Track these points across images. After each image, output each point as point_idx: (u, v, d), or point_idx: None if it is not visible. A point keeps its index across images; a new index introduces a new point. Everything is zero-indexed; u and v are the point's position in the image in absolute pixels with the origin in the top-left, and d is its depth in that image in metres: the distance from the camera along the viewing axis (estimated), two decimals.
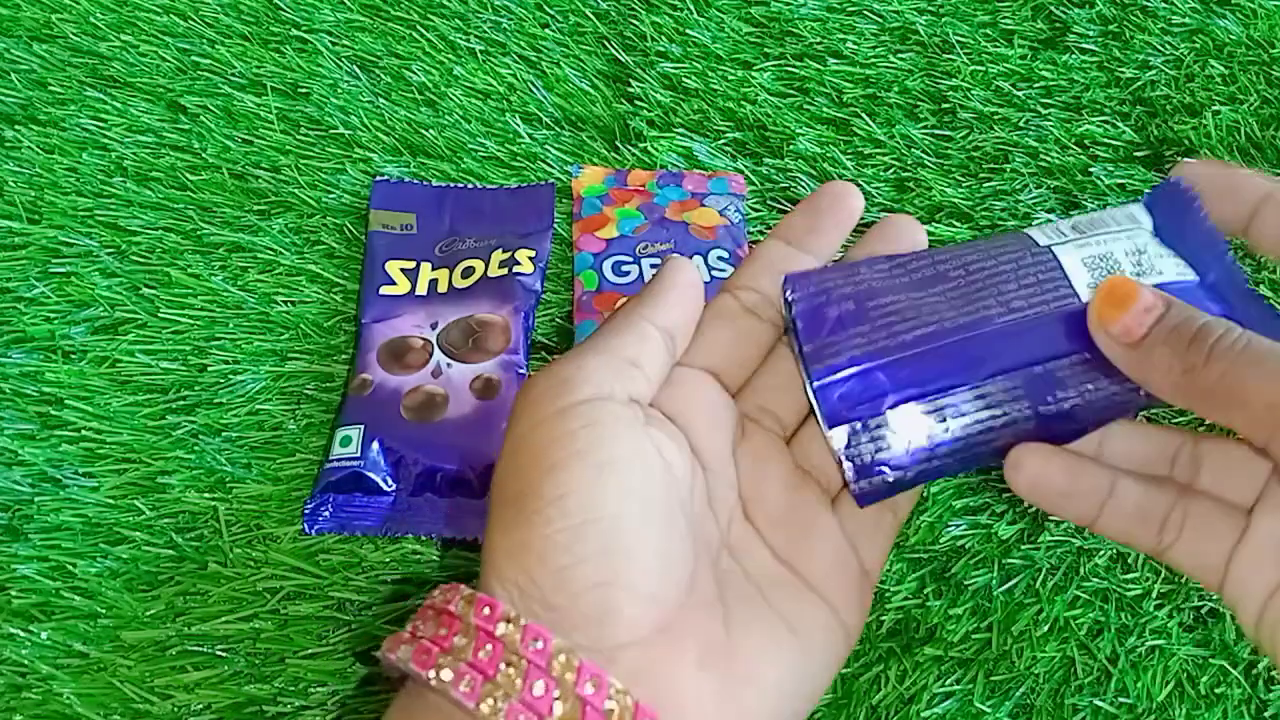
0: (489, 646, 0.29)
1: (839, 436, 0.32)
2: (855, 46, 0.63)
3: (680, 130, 0.59)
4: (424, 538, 0.47)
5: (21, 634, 0.44)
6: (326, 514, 0.47)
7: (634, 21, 0.63)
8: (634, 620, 0.30)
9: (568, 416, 0.31)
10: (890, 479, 0.31)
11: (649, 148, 0.58)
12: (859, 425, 0.31)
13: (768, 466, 0.34)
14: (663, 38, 0.63)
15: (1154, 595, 0.47)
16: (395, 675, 0.32)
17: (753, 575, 0.33)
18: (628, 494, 0.30)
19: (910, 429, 0.31)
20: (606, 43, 0.62)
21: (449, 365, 0.50)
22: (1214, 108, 0.60)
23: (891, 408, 0.31)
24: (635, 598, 0.30)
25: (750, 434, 0.35)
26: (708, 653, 0.31)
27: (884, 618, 0.46)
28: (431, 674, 0.29)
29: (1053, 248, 0.33)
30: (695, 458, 0.34)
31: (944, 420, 0.31)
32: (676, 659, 0.30)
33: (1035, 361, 0.31)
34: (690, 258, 0.54)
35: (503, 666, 0.29)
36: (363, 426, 0.48)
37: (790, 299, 0.33)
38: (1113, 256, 0.33)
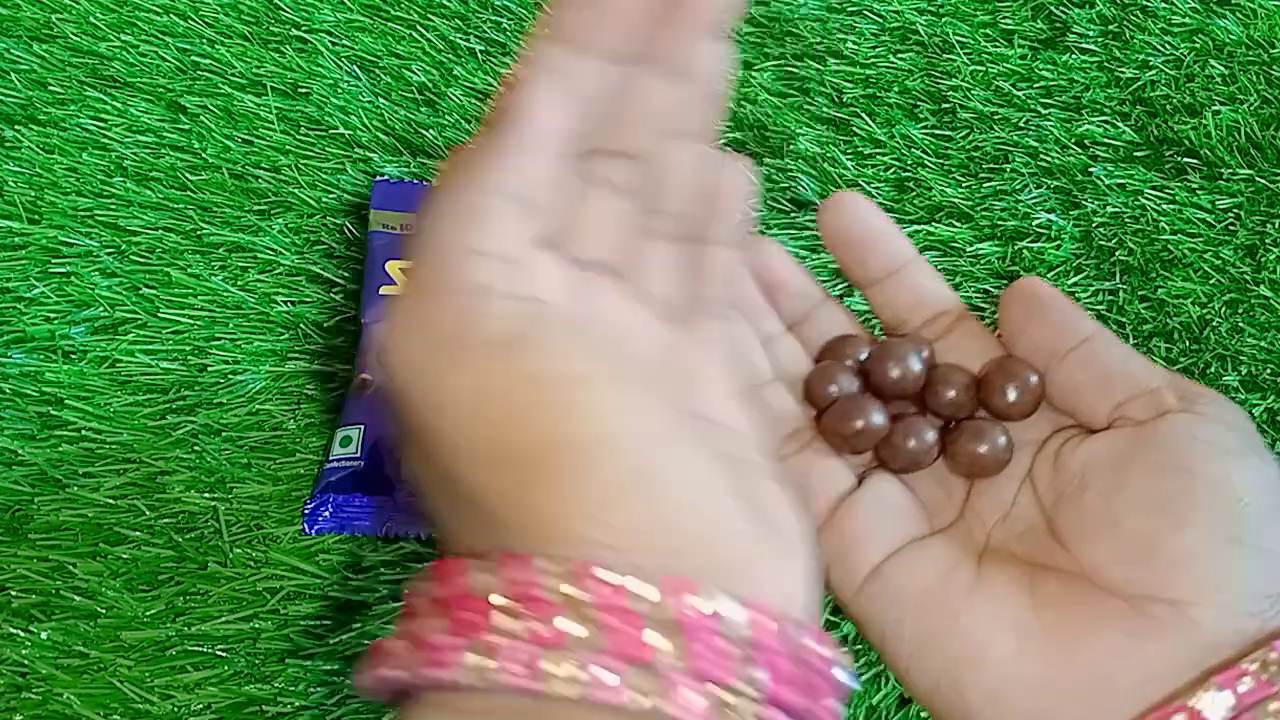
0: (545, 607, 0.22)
1: None
2: (855, 46, 0.63)
3: None
4: (424, 538, 0.47)
5: (21, 634, 0.44)
6: (326, 514, 0.47)
7: None
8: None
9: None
10: None
11: None
12: None
13: None
14: None
15: None
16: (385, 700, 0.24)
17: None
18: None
19: None
20: None
21: None
22: (1214, 108, 0.60)
23: None
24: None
25: None
26: None
27: None
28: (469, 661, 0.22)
29: None
30: None
31: None
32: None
33: None
34: None
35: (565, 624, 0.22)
36: (363, 426, 0.48)
37: None
38: None
